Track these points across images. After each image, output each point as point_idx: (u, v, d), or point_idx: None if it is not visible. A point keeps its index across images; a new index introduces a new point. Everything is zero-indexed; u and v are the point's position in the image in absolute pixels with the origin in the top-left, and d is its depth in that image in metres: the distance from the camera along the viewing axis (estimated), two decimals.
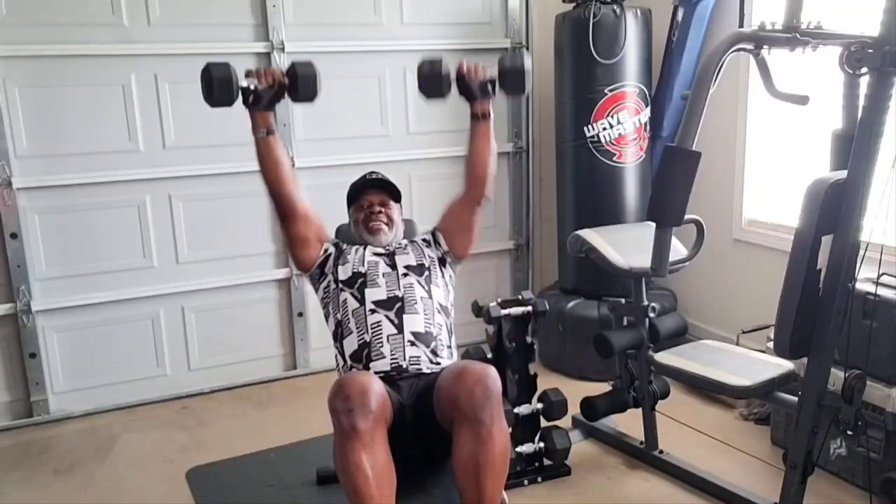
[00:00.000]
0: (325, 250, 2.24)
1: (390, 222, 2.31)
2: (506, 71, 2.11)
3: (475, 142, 2.22)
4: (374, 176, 2.39)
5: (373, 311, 2.09)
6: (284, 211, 2.15)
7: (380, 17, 3.68)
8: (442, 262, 2.29)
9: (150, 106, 3.34)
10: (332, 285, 2.19)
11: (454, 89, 2.14)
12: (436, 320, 2.13)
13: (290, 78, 2.02)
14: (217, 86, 1.96)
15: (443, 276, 2.26)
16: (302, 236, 2.18)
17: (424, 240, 2.33)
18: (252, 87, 1.99)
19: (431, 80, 2.09)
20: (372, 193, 2.34)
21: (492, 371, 1.85)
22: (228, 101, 1.99)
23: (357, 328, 2.09)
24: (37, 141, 3.20)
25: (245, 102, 2.01)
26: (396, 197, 2.37)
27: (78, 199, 3.29)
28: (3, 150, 3.13)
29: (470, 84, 2.11)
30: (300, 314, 3.75)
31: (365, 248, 2.24)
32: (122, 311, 3.44)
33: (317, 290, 2.26)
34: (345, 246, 2.27)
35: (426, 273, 2.20)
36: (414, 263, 2.21)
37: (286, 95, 2.05)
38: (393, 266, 2.19)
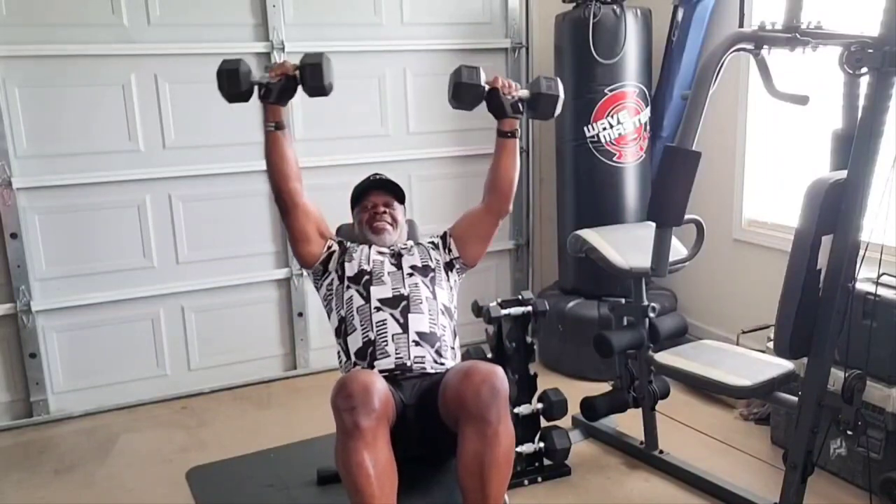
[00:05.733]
0: (329, 247, 2.24)
1: (394, 223, 2.32)
2: (541, 96, 2.08)
3: (501, 159, 2.21)
4: (378, 177, 2.39)
5: (378, 309, 2.09)
6: (285, 205, 2.17)
7: (380, 17, 3.68)
8: (449, 266, 2.29)
9: (150, 106, 3.35)
10: (336, 282, 2.19)
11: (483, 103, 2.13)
12: (440, 321, 2.13)
13: (300, 70, 2.04)
14: (227, 77, 1.98)
15: (447, 280, 2.26)
16: (303, 230, 2.19)
17: (432, 242, 2.33)
18: (264, 82, 2.02)
19: (467, 89, 2.06)
20: (376, 194, 2.34)
21: (499, 371, 1.85)
22: (240, 93, 2.02)
23: (362, 325, 2.09)
24: (37, 141, 3.20)
25: (259, 95, 2.04)
26: (400, 198, 2.38)
27: (78, 199, 3.29)
28: (3, 150, 3.13)
29: (503, 100, 2.10)
30: (300, 314, 3.75)
31: (370, 248, 2.25)
32: (121, 311, 3.44)
33: (318, 288, 2.26)
34: (349, 244, 2.27)
35: (431, 274, 2.21)
36: (419, 264, 2.21)
37: (302, 89, 2.07)
38: (398, 266, 2.19)
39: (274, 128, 2.09)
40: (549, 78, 2.11)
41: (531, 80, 2.11)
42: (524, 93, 2.11)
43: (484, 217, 2.29)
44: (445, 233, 2.34)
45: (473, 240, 2.30)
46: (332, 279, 2.21)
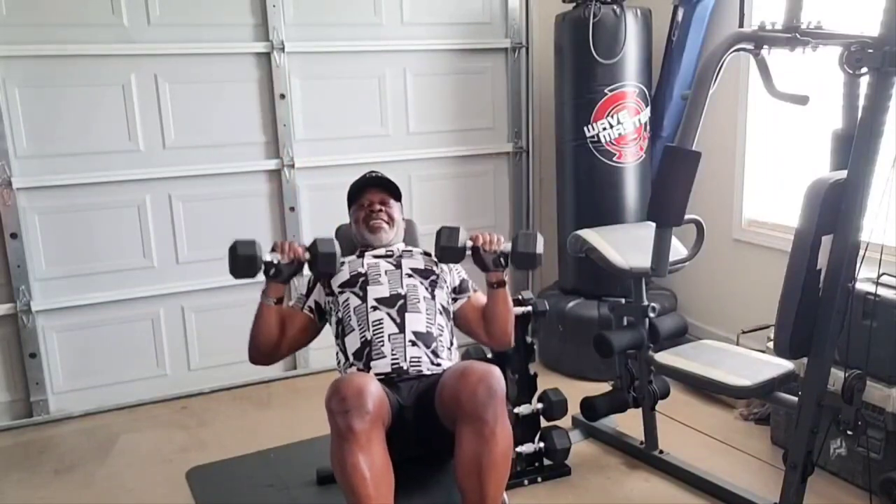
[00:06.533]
0: (310, 308, 2.23)
1: (391, 220, 2.31)
2: (517, 253, 2.10)
3: (493, 307, 2.17)
4: (374, 174, 2.39)
5: (375, 309, 2.09)
6: (260, 363, 2.19)
7: (380, 17, 3.68)
8: (451, 291, 2.27)
9: (150, 106, 3.35)
10: (332, 297, 2.19)
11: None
12: (437, 321, 2.13)
13: (311, 254, 2.07)
14: (243, 264, 2.02)
15: (447, 289, 2.25)
16: (296, 345, 2.23)
17: (443, 267, 2.28)
18: (275, 261, 2.05)
19: (448, 251, 2.10)
20: (372, 192, 2.34)
21: (495, 371, 1.85)
22: (252, 275, 2.05)
23: (359, 325, 2.08)
24: (37, 141, 3.20)
25: (266, 274, 2.07)
26: (397, 196, 2.37)
27: (78, 199, 3.29)
28: (3, 150, 3.13)
29: (483, 257, 2.11)
30: None
31: (362, 256, 2.24)
32: (122, 311, 3.44)
33: (327, 321, 2.26)
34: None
35: (432, 277, 2.20)
36: (421, 267, 2.21)
37: (307, 267, 2.10)
38: (398, 266, 2.19)
39: (273, 303, 2.11)
40: (528, 234, 2.12)
41: (513, 237, 2.13)
42: (507, 247, 2.12)
43: (483, 338, 2.26)
44: (468, 286, 2.29)
45: (466, 328, 2.27)
46: (329, 302, 2.20)
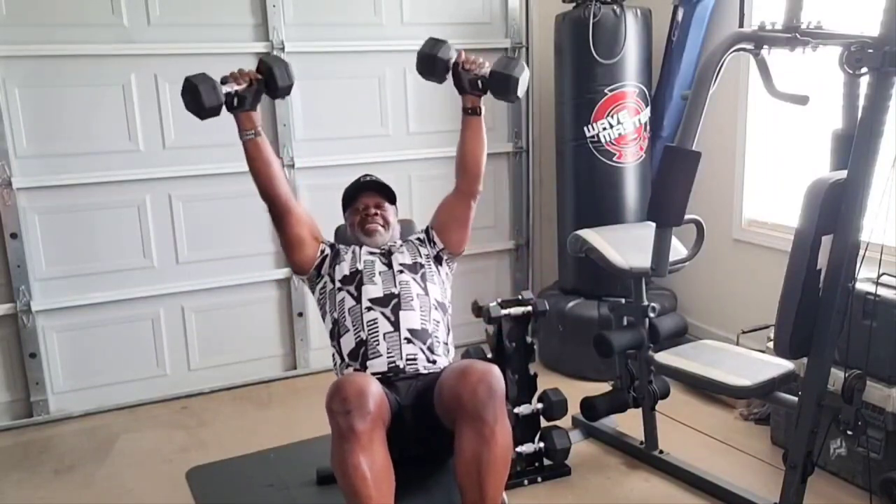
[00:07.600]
0: (322, 251, 2.24)
1: (386, 224, 2.32)
2: (494, 74, 2.08)
3: (465, 136, 2.23)
4: (368, 178, 2.40)
5: (369, 309, 2.10)
6: (279, 211, 2.15)
7: (380, 17, 3.68)
8: (438, 259, 2.30)
9: (150, 106, 3.35)
10: (329, 285, 2.20)
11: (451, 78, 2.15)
12: (432, 317, 2.14)
13: (262, 73, 2.05)
14: (203, 91, 1.91)
15: (439, 274, 2.27)
16: (298, 236, 2.18)
17: (419, 239, 2.34)
18: (233, 91, 2.00)
19: (429, 60, 2.09)
20: (367, 196, 2.35)
21: (495, 370, 1.85)
22: (214, 107, 1.96)
23: (353, 326, 2.09)
24: (37, 141, 3.20)
25: (230, 108, 2.02)
26: (391, 198, 2.38)
27: (78, 199, 3.29)
28: (3, 150, 3.13)
29: (462, 75, 2.12)
30: (300, 314, 3.75)
31: (360, 248, 2.25)
32: (122, 311, 3.44)
33: (313, 292, 2.27)
34: (340, 247, 2.27)
35: (422, 270, 2.21)
36: (409, 262, 2.22)
37: (266, 93, 2.08)
38: (389, 265, 2.20)
39: (253, 135, 2.07)
40: (513, 58, 2.09)
41: (497, 59, 2.10)
42: (486, 70, 2.11)
43: (457, 202, 2.29)
44: (427, 227, 2.35)
45: (452, 226, 2.30)
46: (326, 282, 2.22)
